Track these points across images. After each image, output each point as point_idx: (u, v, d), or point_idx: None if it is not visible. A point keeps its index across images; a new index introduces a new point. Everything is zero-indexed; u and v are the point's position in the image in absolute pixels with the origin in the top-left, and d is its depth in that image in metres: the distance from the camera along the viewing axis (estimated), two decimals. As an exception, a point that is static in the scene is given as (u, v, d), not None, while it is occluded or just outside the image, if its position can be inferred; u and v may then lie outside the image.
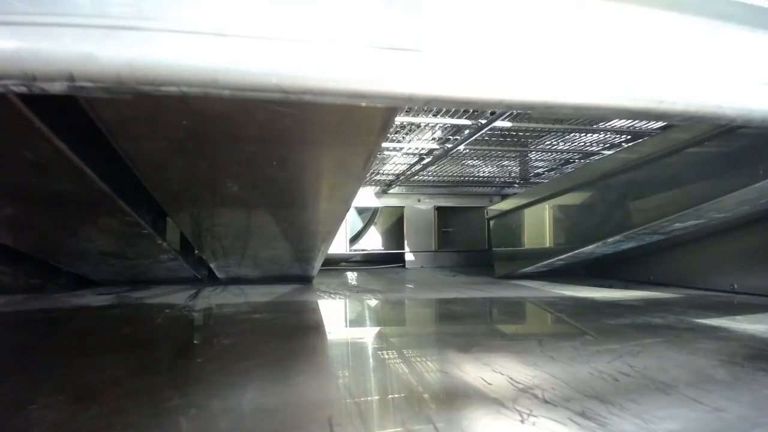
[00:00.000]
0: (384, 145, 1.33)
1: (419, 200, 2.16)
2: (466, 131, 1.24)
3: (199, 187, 0.77)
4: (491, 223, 1.74)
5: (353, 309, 0.98)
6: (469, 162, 1.76)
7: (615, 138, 1.40)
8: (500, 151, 1.58)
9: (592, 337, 0.64)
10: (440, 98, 0.32)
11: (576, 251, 1.25)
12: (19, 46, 0.25)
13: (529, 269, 1.48)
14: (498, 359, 0.54)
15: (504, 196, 2.16)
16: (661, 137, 0.92)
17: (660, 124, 1.18)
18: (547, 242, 1.39)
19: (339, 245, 2.02)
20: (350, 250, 2.11)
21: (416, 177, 1.84)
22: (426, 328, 0.82)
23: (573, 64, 0.34)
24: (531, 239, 1.49)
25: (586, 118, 1.21)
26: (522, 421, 0.36)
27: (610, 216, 1.11)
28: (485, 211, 1.79)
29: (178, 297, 1.11)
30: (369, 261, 2.22)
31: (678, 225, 1.00)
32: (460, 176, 1.94)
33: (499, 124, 1.14)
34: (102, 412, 0.39)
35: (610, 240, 1.12)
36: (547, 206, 1.39)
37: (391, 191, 2.11)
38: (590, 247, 1.20)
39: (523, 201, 1.54)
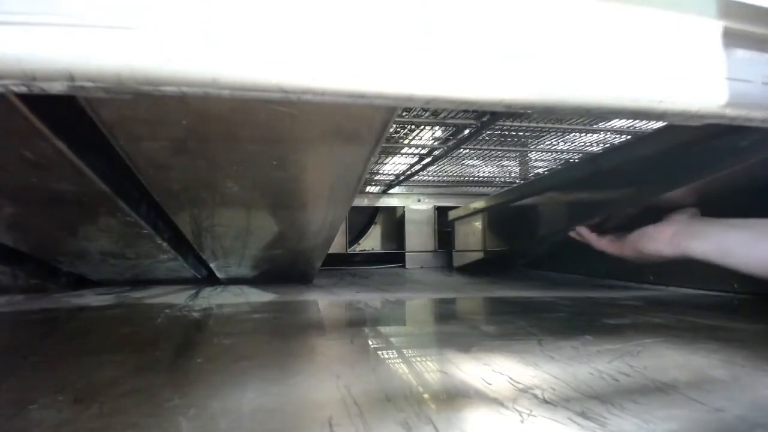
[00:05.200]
0: (384, 145, 1.33)
1: (419, 200, 2.16)
2: (466, 131, 1.24)
3: (199, 187, 0.77)
4: (455, 225, 1.79)
5: (353, 308, 0.98)
6: (469, 162, 1.77)
7: (615, 138, 1.40)
8: (500, 151, 1.58)
9: (592, 337, 0.64)
10: (440, 98, 0.32)
11: (531, 252, 1.31)
12: (19, 46, 0.25)
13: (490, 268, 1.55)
14: (498, 359, 0.54)
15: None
16: (657, 136, 0.91)
17: (660, 124, 1.18)
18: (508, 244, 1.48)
19: (339, 245, 2.02)
20: (350, 250, 2.11)
21: (416, 177, 1.84)
22: (426, 328, 0.82)
23: (573, 64, 0.34)
24: (491, 241, 1.56)
25: (586, 118, 1.21)
26: (522, 421, 0.36)
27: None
28: (447, 214, 1.85)
29: (178, 297, 1.11)
30: (369, 261, 2.22)
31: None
32: (460, 176, 1.94)
33: (499, 123, 1.14)
34: (102, 411, 0.39)
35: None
36: (507, 210, 1.44)
37: (391, 191, 2.11)
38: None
39: (483, 205, 1.59)
